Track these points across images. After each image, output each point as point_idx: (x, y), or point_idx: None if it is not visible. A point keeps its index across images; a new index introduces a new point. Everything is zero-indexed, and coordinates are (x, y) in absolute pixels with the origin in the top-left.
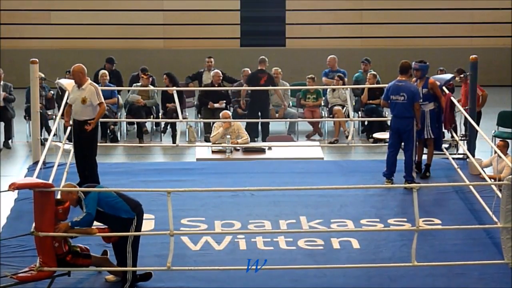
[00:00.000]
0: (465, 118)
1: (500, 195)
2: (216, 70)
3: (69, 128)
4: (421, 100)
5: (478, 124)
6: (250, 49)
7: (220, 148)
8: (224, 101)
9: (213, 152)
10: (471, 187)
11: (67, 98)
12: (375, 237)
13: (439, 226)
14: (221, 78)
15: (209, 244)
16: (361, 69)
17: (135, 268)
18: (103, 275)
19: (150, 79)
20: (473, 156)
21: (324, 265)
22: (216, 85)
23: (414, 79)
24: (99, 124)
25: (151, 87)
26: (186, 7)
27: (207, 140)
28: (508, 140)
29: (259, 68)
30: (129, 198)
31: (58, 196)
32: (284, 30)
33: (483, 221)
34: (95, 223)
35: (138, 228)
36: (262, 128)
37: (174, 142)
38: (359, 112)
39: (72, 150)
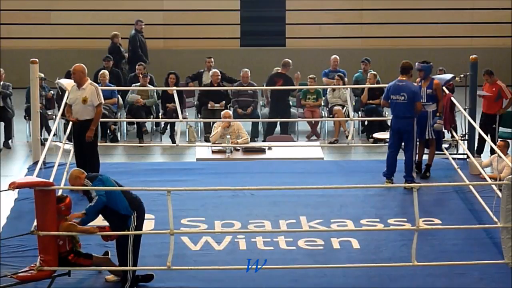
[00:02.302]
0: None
1: (500, 195)
2: (214, 70)
3: (69, 128)
4: (425, 100)
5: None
6: (250, 49)
7: (220, 148)
8: (223, 102)
9: (213, 152)
10: (471, 187)
11: (67, 98)
12: (375, 237)
13: (439, 226)
14: (219, 77)
15: (209, 244)
16: (361, 69)
17: (135, 268)
18: (103, 275)
19: (148, 78)
20: (473, 156)
21: (324, 265)
22: (215, 85)
23: (418, 79)
24: (99, 124)
25: (151, 87)
26: (186, 7)
27: (207, 140)
28: (509, 140)
29: (280, 71)
30: (129, 196)
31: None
32: (284, 30)
33: (483, 221)
34: (94, 223)
35: (139, 227)
36: (281, 129)
37: (173, 142)
38: (359, 112)
39: (72, 150)
